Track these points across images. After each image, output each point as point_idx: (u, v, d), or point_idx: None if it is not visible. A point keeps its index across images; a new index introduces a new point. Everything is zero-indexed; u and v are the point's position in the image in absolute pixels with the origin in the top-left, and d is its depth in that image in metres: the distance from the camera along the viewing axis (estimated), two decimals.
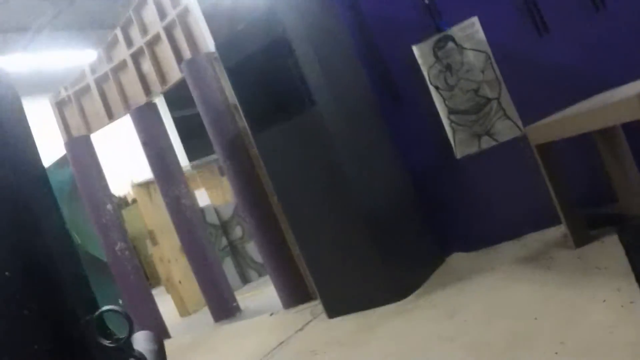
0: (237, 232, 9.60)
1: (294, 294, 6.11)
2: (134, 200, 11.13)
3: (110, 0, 12.15)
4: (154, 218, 8.87)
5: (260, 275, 9.42)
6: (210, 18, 6.25)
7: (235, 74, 5.26)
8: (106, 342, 1.18)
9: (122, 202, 12.67)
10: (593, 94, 4.48)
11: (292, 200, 5.25)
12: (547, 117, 4.41)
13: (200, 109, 6.26)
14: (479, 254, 5.31)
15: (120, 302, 7.11)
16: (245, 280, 9.34)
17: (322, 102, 4.88)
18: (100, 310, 1.16)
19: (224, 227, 9.45)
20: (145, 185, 9.19)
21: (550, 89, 4.96)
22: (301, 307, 5.99)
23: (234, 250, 9.39)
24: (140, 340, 1.42)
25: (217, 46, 5.42)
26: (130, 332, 1.21)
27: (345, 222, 5.00)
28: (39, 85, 15.34)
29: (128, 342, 1.22)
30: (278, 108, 5.13)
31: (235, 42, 5.26)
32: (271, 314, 6.19)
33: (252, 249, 9.46)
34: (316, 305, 5.64)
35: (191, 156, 15.49)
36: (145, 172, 13.60)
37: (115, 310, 1.21)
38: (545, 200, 4.52)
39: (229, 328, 6.52)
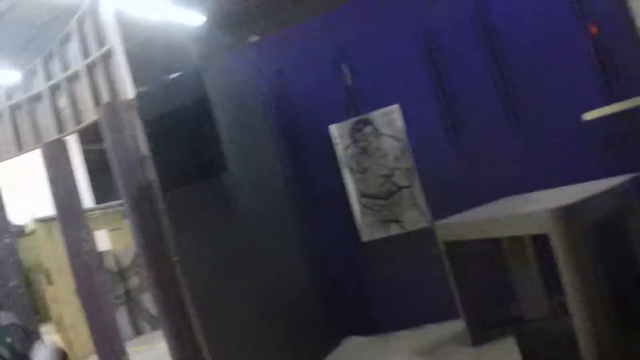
0: (134, 281, 9.47)
1: (187, 356, 6.03)
2: (33, 231, 10.88)
3: (40, 27, 12.00)
4: (52, 256, 8.66)
5: (153, 328, 9.28)
6: (134, 64, 6.25)
7: (152, 127, 5.23)
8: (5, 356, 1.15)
9: (21, 231, 12.36)
10: (503, 195, 4.69)
11: (193, 263, 5.22)
12: (457, 216, 4.56)
13: (111, 155, 6.19)
14: (377, 339, 5.39)
15: (9, 340, 6.93)
16: (137, 331, 9.20)
17: (234, 169, 4.91)
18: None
19: (122, 274, 9.32)
20: (46, 222, 8.97)
21: (462, 185, 5.13)
22: None
23: (129, 299, 9.25)
24: (42, 353, 1.38)
25: (138, 95, 5.41)
26: (30, 347, 1.17)
27: (244, 295, 4.99)
28: None
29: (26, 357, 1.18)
30: (190, 168, 5.13)
31: (156, 94, 5.29)
32: None
33: (148, 300, 9.33)
34: None
35: (97, 194, 15.19)
36: (48, 207, 13.35)
37: (16, 325, 1.17)
38: (447, 293, 4.65)
39: None
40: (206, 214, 5.05)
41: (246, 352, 5.03)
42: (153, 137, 5.26)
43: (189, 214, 5.14)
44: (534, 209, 3.80)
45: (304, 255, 5.49)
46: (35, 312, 7.57)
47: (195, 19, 13.54)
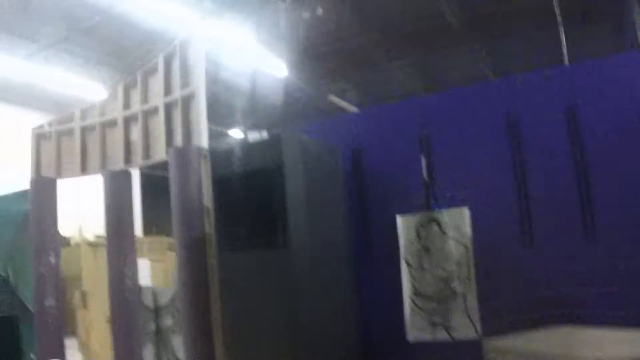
0: (168, 321, 9.39)
1: None
2: (77, 244, 11.00)
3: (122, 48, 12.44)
4: (92, 281, 8.69)
5: None
6: (212, 110, 6.27)
7: (221, 185, 5.25)
8: None
9: (65, 242, 12.55)
10: (562, 320, 4.50)
11: (237, 327, 5.18)
12: (510, 338, 4.38)
13: (173, 199, 6.18)
14: None
15: (33, 356, 6.95)
16: None
17: (297, 245, 4.84)
18: None
19: (157, 311, 9.26)
20: (93, 246, 9.03)
21: (519, 301, 4.96)
22: None
23: (159, 338, 9.17)
24: None
25: (212, 151, 5.41)
26: None
27: None
28: (41, 99, 15.57)
29: None
30: (252, 234, 5.08)
31: (231, 152, 5.27)
32: None
33: (177, 343, 9.26)
34: None
35: (145, 216, 15.41)
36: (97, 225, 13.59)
37: None
38: None
39: None
40: (259, 282, 5.03)
41: None
42: (220, 197, 5.26)
43: (242, 279, 5.11)
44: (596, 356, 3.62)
45: (350, 342, 5.36)
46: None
47: (280, 69, 13.73)
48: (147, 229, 16.10)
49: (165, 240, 13.64)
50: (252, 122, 17.01)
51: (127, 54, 13.46)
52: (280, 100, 15.58)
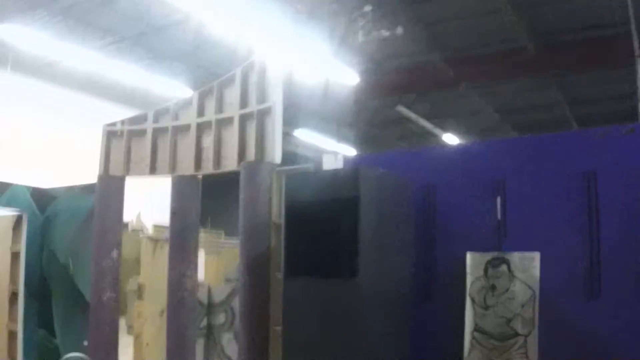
0: (220, 318, 9.63)
1: None
2: (134, 230, 11.29)
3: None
4: (150, 274, 8.92)
5: None
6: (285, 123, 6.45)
7: (293, 212, 5.39)
8: None
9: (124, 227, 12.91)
10: None
11: (296, 354, 5.32)
12: None
13: (241, 214, 6.37)
14: None
15: (86, 343, 7.18)
16: None
17: (365, 276, 4.97)
18: (66, 356, 1.17)
19: (210, 308, 9.49)
20: (153, 240, 9.25)
21: (581, 351, 5.08)
22: None
23: (210, 334, 9.40)
24: None
25: (288, 179, 5.56)
26: None
27: None
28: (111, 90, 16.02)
29: None
30: (320, 261, 5.24)
31: (307, 181, 5.42)
32: None
33: (227, 341, 9.50)
34: None
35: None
36: (158, 216, 14.02)
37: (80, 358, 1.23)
38: None
39: None
40: (323, 311, 5.15)
41: None
42: (291, 225, 5.41)
43: (305, 306, 5.26)
44: None
45: None
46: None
47: (351, 78, 13.98)
48: (203, 220, 16.44)
49: (220, 234, 13.90)
50: (320, 125, 17.32)
51: (198, 57, 13.80)
52: (351, 107, 15.89)
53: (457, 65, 14.41)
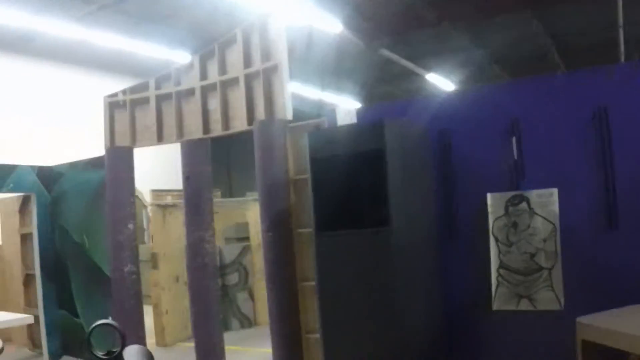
0: (234, 278, 9.91)
1: None
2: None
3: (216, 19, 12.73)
4: (162, 242, 9.10)
5: (242, 326, 9.79)
6: None
7: (319, 167, 5.54)
8: (100, 354, 1.30)
9: None
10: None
11: (331, 305, 5.54)
12: (603, 317, 4.74)
13: (258, 173, 6.54)
14: None
15: (110, 318, 7.31)
16: (226, 327, 9.63)
17: (397, 224, 5.17)
18: (95, 324, 1.26)
19: (223, 269, 9.73)
20: (162, 207, 9.39)
21: (603, 280, 5.36)
22: None
23: (225, 294, 9.67)
24: (132, 354, 1.56)
25: (311, 133, 5.71)
26: (123, 346, 1.33)
27: (378, 343, 5.28)
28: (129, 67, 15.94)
29: (120, 355, 1.34)
30: (351, 215, 5.44)
31: (331, 136, 5.60)
32: None
33: (242, 299, 9.84)
34: None
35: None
36: (160, 183, 14.19)
37: (110, 325, 1.32)
38: None
39: None
40: (358, 262, 5.36)
41: None
42: (318, 179, 5.57)
43: (340, 259, 5.47)
44: None
45: (439, 314, 5.78)
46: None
47: (334, 26, 14.01)
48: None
49: (217, 194, 14.04)
50: (304, 76, 17.37)
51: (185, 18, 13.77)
52: (334, 55, 15.97)
53: (437, 7, 14.45)
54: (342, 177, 5.49)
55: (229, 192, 23.15)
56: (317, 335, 6.22)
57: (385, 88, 22.36)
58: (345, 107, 6.44)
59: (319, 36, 14.68)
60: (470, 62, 18.69)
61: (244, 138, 7.39)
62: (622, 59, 16.68)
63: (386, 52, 16.86)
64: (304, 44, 14.47)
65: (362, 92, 21.79)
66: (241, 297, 9.94)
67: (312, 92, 20.30)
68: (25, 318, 5.95)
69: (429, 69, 19.71)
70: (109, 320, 1.35)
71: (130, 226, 7.45)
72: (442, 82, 20.66)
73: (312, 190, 5.59)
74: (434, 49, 17.86)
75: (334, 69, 18.19)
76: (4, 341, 5.06)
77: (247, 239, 10.55)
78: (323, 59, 16.67)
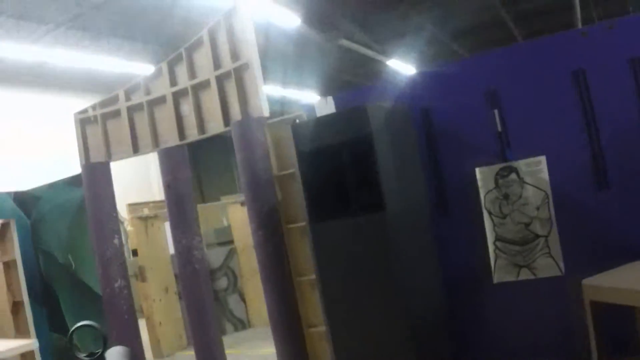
0: (223, 282, 9.86)
1: None
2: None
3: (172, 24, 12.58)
4: (147, 254, 8.99)
5: (236, 329, 9.73)
6: None
7: (307, 159, 5.49)
8: (82, 356, 1.29)
9: None
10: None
11: (335, 295, 5.50)
12: (607, 276, 4.77)
13: (241, 173, 6.47)
14: None
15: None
16: (221, 331, 9.54)
17: (391, 207, 5.14)
18: (76, 325, 1.26)
19: (212, 274, 9.65)
20: (143, 219, 9.28)
21: (599, 241, 5.39)
22: None
23: (216, 299, 9.59)
24: (114, 355, 1.55)
25: (295, 126, 5.64)
26: (105, 347, 1.31)
27: (384, 324, 5.26)
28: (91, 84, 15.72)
29: (102, 356, 1.32)
30: (344, 203, 5.40)
31: (316, 127, 5.54)
32: None
33: (234, 302, 9.79)
34: None
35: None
36: (134, 197, 14.06)
37: (91, 326, 1.31)
38: (576, 345, 4.96)
39: None
40: (355, 248, 5.33)
41: None
42: (308, 170, 5.53)
43: (336, 248, 5.42)
44: None
45: (438, 285, 5.78)
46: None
47: (292, 20, 13.94)
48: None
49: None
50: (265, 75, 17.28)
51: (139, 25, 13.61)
52: (293, 50, 15.91)
53: None
54: (331, 166, 5.46)
55: (200, 198, 22.94)
56: (320, 329, 6.20)
57: (347, 78, 22.34)
58: (322, 97, 6.35)
59: (277, 32, 14.58)
60: (430, 42, 18.72)
61: (211, 142, 7.33)
62: (579, 23, 16.88)
63: (346, 42, 16.80)
64: (262, 41, 14.38)
65: (323, 85, 21.72)
66: (232, 300, 9.89)
67: (273, 90, 20.21)
68: (28, 344, 5.79)
69: (389, 55, 19.71)
70: (91, 322, 1.31)
71: (116, 241, 7.35)
72: (403, 67, 20.65)
73: (302, 183, 5.56)
74: (393, 33, 17.86)
75: (294, 64, 18.13)
76: None
77: (228, 243, 10.46)
78: (282, 55, 16.61)
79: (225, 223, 12.11)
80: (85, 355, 1.28)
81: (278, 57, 16.51)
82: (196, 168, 25.22)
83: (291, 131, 5.67)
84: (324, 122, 5.57)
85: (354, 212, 5.35)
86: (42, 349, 7.88)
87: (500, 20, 18.03)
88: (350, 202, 5.39)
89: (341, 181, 5.41)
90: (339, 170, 5.40)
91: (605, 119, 5.40)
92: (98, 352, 1.31)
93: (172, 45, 7.32)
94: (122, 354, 1.55)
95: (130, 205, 12.67)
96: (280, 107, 18.26)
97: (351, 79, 22.46)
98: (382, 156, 5.14)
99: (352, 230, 5.35)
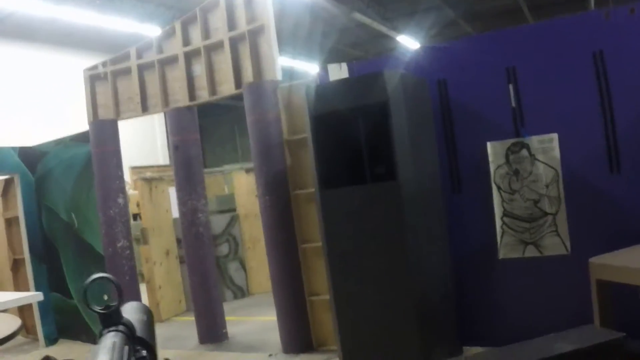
0: (224, 249, 9.88)
1: (297, 340, 6.42)
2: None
3: None
4: (150, 216, 9.00)
5: (235, 297, 9.79)
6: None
7: (320, 123, 5.47)
8: (98, 309, 1.32)
9: None
10: None
11: (340, 263, 5.51)
12: (615, 256, 4.80)
13: (251, 136, 6.49)
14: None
15: (106, 297, 7.24)
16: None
17: (403, 177, 5.15)
18: (92, 278, 1.29)
19: (213, 240, 9.68)
20: (147, 181, 9.26)
21: (607, 222, 5.42)
22: (304, 356, 6.32)
23: (217, 265, 9.63)
24: (130, 310, 1.59)
25: (309, 90, 5.61)
26: (120, 300, 1.35)
27: (390, 297, 5.28)
28: (98, 42, 15.65)
29: (118, 310, 1.35)
30: (356, 170, 5.40)
31: (330, 91, 5.54)
32: (270, 355, 6.49)
33: (234, 270, 9.84)
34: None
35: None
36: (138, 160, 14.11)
37: (107, 279, 1.34)
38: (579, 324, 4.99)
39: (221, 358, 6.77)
40: (365, 217, 5.33)
41: (374, 343, 5.37)
42: (319, 136, 5.51)
43: (346, 216, 5.43)
44: None
45: (446, 264, 5.80)
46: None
47: None
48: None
49: None
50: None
51: None
52: (306, 21, 15.88)
53: None
54: (344, 132, 5.45)
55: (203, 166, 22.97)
56: (323, 297, 6.25)
57: (359, 54, 22.30)
58: (336, 64, 6.32)
59: (291, 2, 14.55)
60: (444, 23, 18.68)
61: (214, 112, 7.35)
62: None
63: (358, 16, 16.75)
64: (277, 7, 14.37)
65: (334, 60, 21.66)
66: (233, 267, 9.92)
67: (282, 60, 20.20)
68: (34, 295, 5.80)
69: (402, 32, 19.66)
70: (106, 274, 1.32)
71: (121, 200, 7.39)
72: (413, 44, 20.61)
73: (313, 148, 5.52)
74: (408, 11, 17.83)
75: (306, 36, 18.09)
76: None
77: (230, 211, 10.47)
78: (295, 24, 16.55)
79: (226, 191, 12.15)
80: (100, 308, 1.30)
81: (290, 26, 16.45)
82: (200, 137, 25.24)
83: (305, 94, 5.64)
84: (339, 87, 5.54)
85: (366, 180, 5.35)
86: (42, 307, 7.95)
87: (517, 6, 17.97)
88: (362, 170, 5.38)
89: (354, 148, 5.39)
90: (352, 137, 5.39)
91: (622, 102, 5.40)
92: (113, 306, 1.33)
93: (185, 10, 7.27)
94: (138, 309, 1.57)
95: (133, 168, 12.70)
96: (288, 78, 18.22)
97: (363, 55, 22.41)
98: (397, 124, 5.13)
99: (363, 198, 5.34)
